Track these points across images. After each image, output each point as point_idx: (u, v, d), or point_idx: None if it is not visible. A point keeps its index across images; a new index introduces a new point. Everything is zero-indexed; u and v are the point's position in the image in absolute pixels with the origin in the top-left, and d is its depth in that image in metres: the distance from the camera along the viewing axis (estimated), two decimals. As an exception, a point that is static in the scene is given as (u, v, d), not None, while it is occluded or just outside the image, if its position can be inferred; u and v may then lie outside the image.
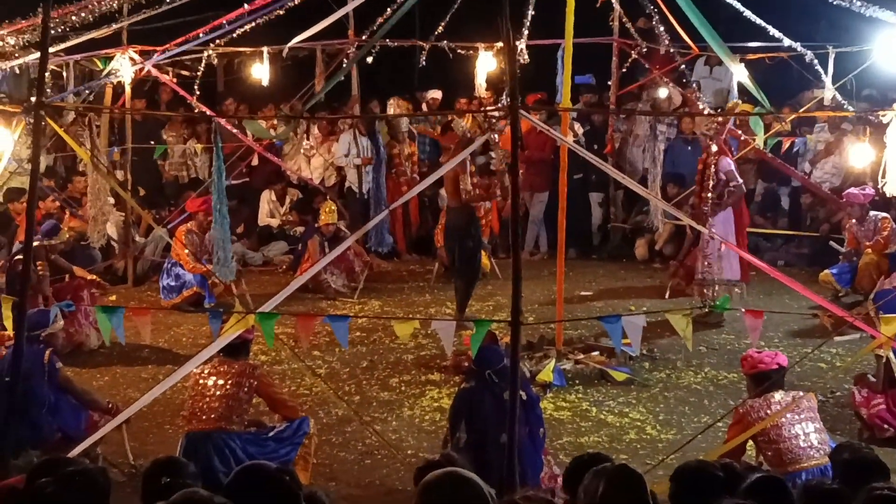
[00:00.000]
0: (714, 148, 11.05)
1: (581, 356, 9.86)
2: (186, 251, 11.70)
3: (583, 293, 12.71)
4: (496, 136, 11.02)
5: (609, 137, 14.63)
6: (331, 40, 14.23)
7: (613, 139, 14.63)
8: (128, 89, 12.75)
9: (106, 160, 12.90)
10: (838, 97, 11.82)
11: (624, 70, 14.30)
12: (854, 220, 11.91)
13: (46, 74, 6.80)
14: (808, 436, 6.60)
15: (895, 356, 7.38)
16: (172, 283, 12.03)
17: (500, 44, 12.73)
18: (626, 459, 7.08)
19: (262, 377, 7.39)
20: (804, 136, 14.38)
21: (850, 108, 11.71)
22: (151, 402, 7.74)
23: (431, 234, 14.13)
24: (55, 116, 7.70)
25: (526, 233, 14.51)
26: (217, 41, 12.14)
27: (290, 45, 13.26)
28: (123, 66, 11.99)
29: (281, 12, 11.47)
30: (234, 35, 11.91)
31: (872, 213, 11.81)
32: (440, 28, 13.10)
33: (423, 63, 13.74)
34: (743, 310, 6.91)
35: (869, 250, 11.61)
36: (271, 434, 7.32)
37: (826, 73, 12.01)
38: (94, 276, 11.57)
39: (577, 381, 9.44)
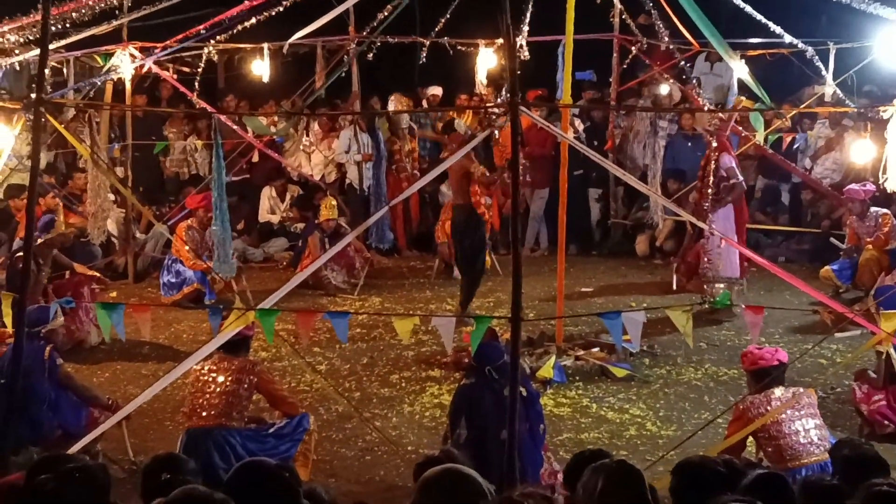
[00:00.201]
0: (714, 144, 11.05)
1: (581, 352, 9.86)
2: (187, 248, 11.70)
3: (583, 289, 12.70)
4: (496, 132, 11.01)
5: (609, 134, 14.62)
6: (331, 37, 14.22)
7: (614, 135, 14.63)
8: (128, 86, 12.75)
9: (106, 157, 12.89)
10: (839, 93, 11.82)
11: (624, 66, 14.29)
12: (855, 217, 11.91)
13: (46, 71, 6.79)
14: (809, 432, 6.60)
15: (896, 352, 7.38)
16: (173, 280, 12.03)
17: (500, 40, 12.72)
18: (627, 456, 7.08)
19: (262, 373, 7.40)
20: (805, 133, 14.37)
21: (851, 105, 11.70)
22: (152, 399, 7.74)
23: (432, 230, 14.13)
24: (55, 113, 7.69)
25: (526, 229, 14.51)
26: (217, 37, 12.13)
27: (290, 41, 13.25)
28: (124, 63, 11.98)
29: (281, 8, 11.46)
30: (235, 31, 11.90)
31: (873, 209, 11.81)
32: (440, 24, 13.08)
33: (424, 59, 13.72)
34: (743, 306, 6.91)
35: (869, 246, 11.61)
36: (271, 430, 7.33)
37: (827, 69, 12.00)
38: (95, 273, 11.57)
39: (578, 378, 9.44)
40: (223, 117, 12.02)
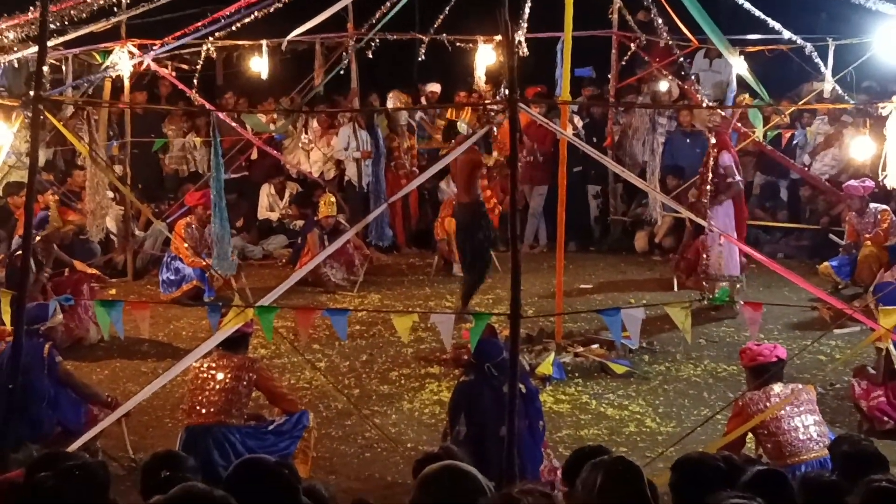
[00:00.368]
0: (713, 140, 11.05)
1: (580, 349, 9.86)
2: (186, 245, 11.70)
3: (582, 286, 12.71)
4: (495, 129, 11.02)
5: (609, 130, 14.62)
6: (330, 33, 14.21)
7: (613, 132, 14.62)
8: (127, 83, 12.74)
9: (105, 154, 12.88)
10: (838, 89, 11.82)
11: (623, 63, 14.28)
12: (854, 213, 11.91)
13: (45, 68, 6.79)
14: (808, 428, 6.61)
15: (895, 348, 7.37)
16: (172, 277, 12.03)
17: (499, 37, 12.71)
18: (626, 452, 7.08)
19: (261, 371, 7.40)
20: (804, 129, 14.37)
21: (850, 101, 11.70)
22: (151, 396, 7.74)
23: (431, 227, 14.13)
24: (54, 110, 7.69)
25: (525, 226, 14.51)
26: (216, 34, 12.12)
27: (289, 38, 13.24)
28: (122, 60, 11.97)
29: (280, 5, 11.43)
30: (233, 28, 11.88)
31: (872, 205, 11.82)
32: (439, 21, 13.07)
33: (423, 56, 13.71)
34: (742, 302, 6.91)
35: (868, 243, 11.61)
36: (271, 428, 7.33)
37: (826, 65, 11.99)
38: (94, 270, 11.57)
39: (577, 374, 9.44)
40: (222, 114, 12.02)
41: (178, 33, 11.95)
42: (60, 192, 12.75)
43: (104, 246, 12.98)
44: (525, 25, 11.33)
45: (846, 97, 11.67)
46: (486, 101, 13.46)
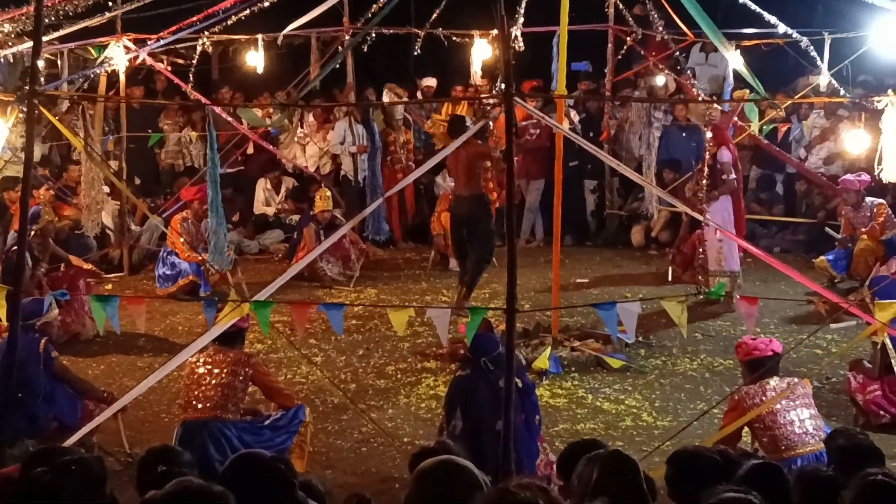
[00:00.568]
0: (709, 135, 11.06)
1: (577, 343, 9.87)
2: (182, 240, 11.69)
3: (579, 280, 12.71)
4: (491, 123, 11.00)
5: (605, 125, 14.61)
6: (326, 28, 14.19)
7: (609, 126, 14.62)
8: (122, 78, 12.73)
9: (100, 149, 12.86)
10: (834, 83, 11.82)
11: (619, 57, 14.27)
12: (850, 207, 11.91)
13: (40, 63, 6.77)
14: (804, 422, 6.62)
15: (891, 342, 7.38)
16: (168, 272, 12.02)
17: (495, 31, 12.69)
18: (622, 446, 7.08)
19: (257, 365, 7.40)
20: (800, 122, 14.37)
21: (846, 95, 11.70)
22: (147, 391, 7.74)
23: (427, 221, 14.12)
24: (49, 105, 7.68)
25: (522, 221, 14.51)
26: (212, 29, 12.10)
27: (284, 32, 13.22)
28: (118, 55, 11.95)
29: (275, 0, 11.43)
30: (229, 23, 11.87)
31: (868, 199, 11.82)
32: (435, 15, 13.06)
33: (419, 51, 13.70)
34: (738, 296, 6.92)
35: (864, 236, 11.61)
36: (267, 422, 7.33)
37: (822, 59, 11.99)
38: (90, 265, 11.56)
39: (573, 369, 9.44)
40: (218, 109, 11.99)
41: (173, 28, 11.94)
42: (56, 187, 12.74)
43: (100, 241, 12.97)
44: (521, 19, 11.31)
45: (842, 91, 11.67)
46: (483, 96, 13.44)
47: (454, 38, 13.89)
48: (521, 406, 6.56)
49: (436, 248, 13.41)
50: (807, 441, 6.55)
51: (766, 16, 11.27)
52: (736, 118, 12.20)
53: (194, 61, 12.84)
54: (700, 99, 12.16)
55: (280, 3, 11.46)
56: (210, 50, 13.38)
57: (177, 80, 12.88)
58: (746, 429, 6.84)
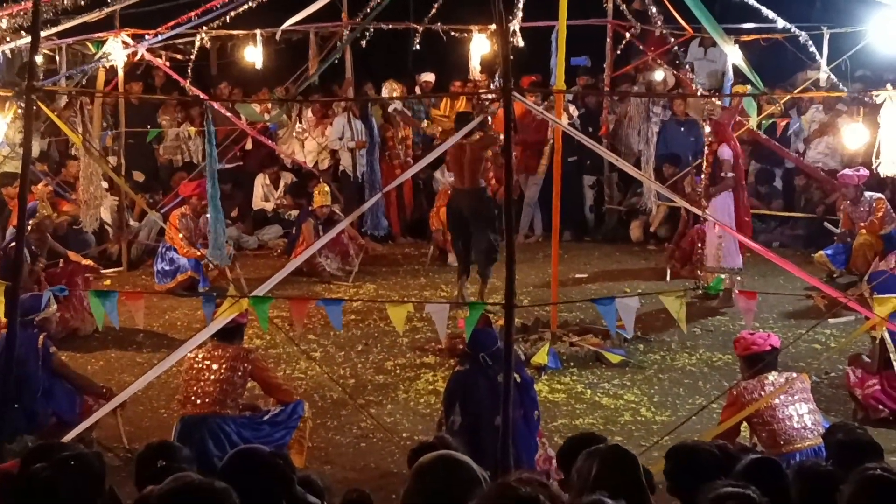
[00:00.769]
0: (707, 129, 11.05)
1: (576, 338, 9.87)
2: (180, 235, 11.68)
3: (577, 276, 12.71)
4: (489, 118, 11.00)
5: (603, 120, 14.61)
6: (324, 23, 14.18)
7: (608, 121, 14.61)
8: (121, 73, 12.71)
9: (98, 144, 12.85)
10: (833, 78, 11.81)
11: (618, 52, 14.26)
12: (848, 201, 11.91)
13: (38, 58, 6.77)
14: (802, 417, 6.62)
15: (890, 337, 7.38)
16: (167, 268, 12.02)
17: (494, 26, 12.67)
18: (621, 441, 7.09)
19: (256, 361, 7.41)
20: (798, 117, 14.37)
21: (844, 89, 11.69)
22: (146, 387, 7.75)
23: (426, 217, 14.12)
24: (47, 101, 7.67)
25: (520, 216, 14.51)
26: (210, 24, 12.09)
27: (283, 27, 13.21)
28: (116, 50, 11.94)
29: (274, -5, 11.42)
30: (227, 18, 11.85)
31: (867, 193, 11.83)
32: (434, 10, 13.04)
33: (418, 46, 13.69)
34: (737, 291, 6.92)
35: (863, 231, 11.62)
36: (266, 418, 7.33)
37: (820, 54, 11.98)
38: (89, 261, 11.55)
39: (572, 364, 9.44)
40: (216, 104, 11.99)
41: (171, 23, 11.92)
42: (55, 183, 12.74)
43: (99, 236, 12.97)
44: (520, 14, 11.29)
45: (841, 86, 11.65)
46: (481, 91, 13.43)
47: (453, 34, 13.87)
48: (520, 401, 6.57)
49: (434, 244, 13.41)
50: (805, 436, 6.55)
51: (765, 10, 11.25)
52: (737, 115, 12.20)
53: (193, 57, 12.82)
54: (699, 94, 12.14)
55: (279, -2, 11.46)
56: (208, 45, 13.37)
57: (175, 76, 12.87)
58: (745, 424, 6.85)
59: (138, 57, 12.50)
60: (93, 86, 12.69)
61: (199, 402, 7.15)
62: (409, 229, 15.04)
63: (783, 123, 13.83)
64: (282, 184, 15.24)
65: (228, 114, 12.63)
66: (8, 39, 10.95)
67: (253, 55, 13.66)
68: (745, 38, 12.78)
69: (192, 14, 11.84)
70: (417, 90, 15.30)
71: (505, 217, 6.09)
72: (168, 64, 13.39)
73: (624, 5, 13.51)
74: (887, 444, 6.30)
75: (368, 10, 12.15)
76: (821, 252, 11.95)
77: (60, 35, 11.81)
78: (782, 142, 13.75)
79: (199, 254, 11.58)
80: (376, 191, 13.56)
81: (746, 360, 6.92)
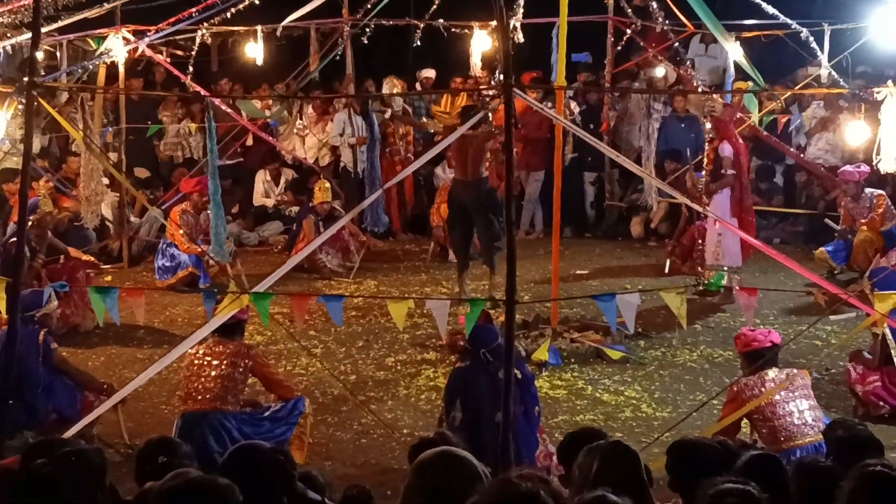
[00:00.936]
0: (708, 126, 11.04)
1: (576, 335, 9.87)
2: (181, 231, 11.68)
3: (578, 272, 12.71)
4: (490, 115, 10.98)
5: (604, 116, 14.60)
6: (325, 19, 14.16)
7: (609, 118, 14.60)
8: (121, 69, 12.71)
9: (99, 140, 12.85)
10: (834, 75, 11.80)
11: (619, 48, 14.25)
12: (849, 198, 11.91)
13: (39, 54, 6.76)
14: (803, 413, 6.62)
15: (891, 333, 7.38)
16: (167, 264, 12.02)
17: (494, 22, 12.65)
18: (622, 437, 7.06)
19: (257, 357, 7.41)
20: (800, 113, 14.35)
21: (846, 86, 11.68)
22: (147, 383, 7.76)
23: (427, 213, 14.12)
24: (48, 97, 7.67)
25: (521, 212, 14.51)
26: (211, 20, 12.08)
27: (284, 24, 13.19)
28: (117, 46, 11.93)
29: (275, -10, 11.41)
30: (228, 14, 11.84)
31: (867, 190, 11.82)
32: (435, 7, 13.03)
33: (418, 42, 13.67)
34: (737, 287, 6.92)
35: (864, 227, 11.61)
36: (267, 414, 7.34)
37: (822, 50, 11.97)
38: (89, 257, 11.56)
39: (573, 360, 9.44)
40: (217, 101, 11.98)
41: (172, 19, 11.90)
42: (55, 179, 12.73)
43: (99, 233, 12.97)
44: (520, 11, 11.28)
45: (841, 82, 11.64)
46: (482, 87, 13.42)
47: (454, 30, 13.84)
48: (521, 397, 6.58)
49: (435, 240, 13.40)
50: (806, 432, 6.55)
51: (766, 7, 11.24)
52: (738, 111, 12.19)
53: (193, 53, 12.81)
54: (700, 90, 12.14)
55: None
56: (209, 41, 13.33)
57: (176, 72, 12.86)
58: (746, 420, 6.85)
59: (139, 53, 12.48)
60: (94, 82, 12.68)
61: (199, 398, 7.15)
62: (409, 226, 15.04)
63: (784, 120, 13.81)
64: (282, 180, 15.24)
65: (229, 110, 12.61)
66: (9, 35, 10.94)
67: (254, 51, 13.64)
68: (746, 34, 12.76)
69: (193, 10, 11.83)
70: (418, 86, 15.30)
71: (505, 213, 6.09)
72: (169, 60, 13.38)
73: (625, 1, 13.50)
74: (888, 440, 6.30)
75: (369, 6, 12.17)
76: (821, 248, 11.95)
77: (61, 31, 11.78)
78: (783, 138, 13.74)
79: (199, 250, 11.59)
80: (376, 187, 13.56)
81: (747, 356, 6.92)
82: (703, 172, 11.05)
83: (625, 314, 6.37)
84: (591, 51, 15.05)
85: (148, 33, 12.08)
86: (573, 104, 14.44)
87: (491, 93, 12.04)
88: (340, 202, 13.43)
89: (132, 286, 11.03)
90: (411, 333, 10.23)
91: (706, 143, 11.09)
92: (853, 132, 11.84)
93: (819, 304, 10.12)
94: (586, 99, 14.94)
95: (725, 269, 11.04)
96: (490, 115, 10.96)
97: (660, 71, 14.57)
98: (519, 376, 6.46)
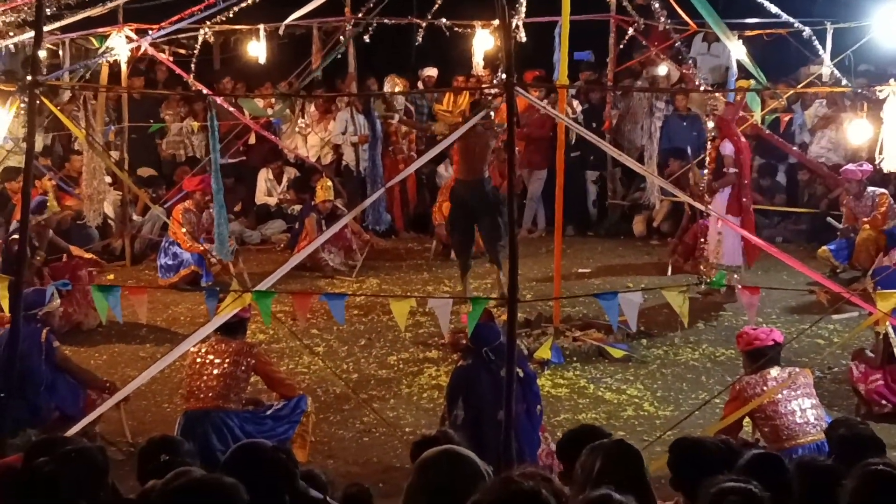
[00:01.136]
0: (710, 124, 11.04)
1: (579, 333, 9.87)
2: (183, 230, 11.69)
3: (581, 270, 12.71)
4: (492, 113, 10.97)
5: (607, 115, 14.60)
6: (327, 18, 14.17)
7: (611, 116, 14.60)
8: (124, 68, 12.71)
9: (102, 139, 12.86)
10: (836, 73, 11.80)
11: (621, 47, 14.25)
12: (851, 197, 11.90)
13: (42, 53, 6.77)
14: (805, 412, 6.62)
15: (893, 332, 7.38)
16: (170, 262, 12.03)
17: (497, 21, 12.65)
18: (624, 436, 7.07)
19: (259, 355, 7.41)
20: (802, 111, 14.34)
21: (848, 84, 11.68)
22: (149, 381, 7.75)
23: (429, 212, 14.12)
24: (50, 95, 7.67)
25: (524, 210, 14.51)
26: (213, 19, 12.08)
27: (286, 22, 13.20)
28: (119, 45, 11.93)
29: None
30: (231, 13, 11.85)
31: (870, 188, 11.81)
32: (437, 5, 13.03)
33: (420, 41, 13.68)
34: (739, 286, 6.91)
35: (866, 226, 11.60)
36: (269, 412, 7.34)
37: (824, 48, 11.97)
38: (92, 255, 11.57)
39: (575, 359, 9.45)
40: (219, 99, 11.98)
41: (175, 18, 11.91)
42: (58, 178, 12.74)
43: (102, 231, 12.98)
44: (523, 10, 11.28)
45: (844, 81, 11.64)
46: (484, 86, 13.41)
47: (456, 29, 13.85)
48: (523, 396, 6.57)
49: (438, 239, 13.40)
50: (808, 431, 6.55)
51: (769, 5, 11.25)
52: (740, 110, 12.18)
53: (196, 51, 12.82)
54: (702, 89, 12.13)
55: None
56: (212, 40, 13.36)
57: (178, 71, 12.87)
58: (748, 419, 6.84)
59: (141, 52, 12.49)
60: (96, 81, 12.69)
61: (202, 396, 7.16)
62: (412, 224, 15.04)
63: (786, 119, 13.81)
64: (285, 178, 15.25)
65: (231, 109, 12.62)
66: (11, 34, 10.95)
67: (256, 50, 13.65)
68: (749, 33, 12.76)
69: (196, 9, 11.84)
70: (420, 85, 15.30)
71: (508, 212, 6.08)
72: (171, 59, 13.39)
73: (627, 0, 13.50)
74: (890, 439, 6.29)
75: (371, 5, 12.17)
76: (824, 247, 11.94)
77: (64, 30, 11.80)
78: (786, 137, 13.73)
79: (202, 248, 11.59)
80: (378, 186, 13.56)
81: (749, 355, 6.91)
82: (706, 171, 11.04)
83: (627, 313, 6.37)
84: (593, 49, 15.04)
85: (150, 32, 12.09)
86: (575, 103, 14.43)
87: (493, 92, 12.05)
88: (343, 200, 13.44)
89: (135, 284, 11.03)
90: (413, 332, 10.23)
91: (708, 142, 11.07)
92: (855, 131, 11.83)
93: (821, 303, 10.13)
94: (588, 98, 14.93)
95: (724, 268, 11.02)
96: (493, 114, 10.97)
97: (662, 69, 14.56)
98: (521, 375, 6.46)
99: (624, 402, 8.50)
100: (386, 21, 13.56)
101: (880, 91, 8.46)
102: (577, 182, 14.26)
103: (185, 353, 7.13)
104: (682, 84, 14.30)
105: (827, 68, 11.93)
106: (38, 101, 6.63)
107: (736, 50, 10.46)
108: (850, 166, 11.92)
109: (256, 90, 15.01)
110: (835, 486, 4.18)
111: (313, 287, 11.79)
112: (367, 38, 13.32)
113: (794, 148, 13.91)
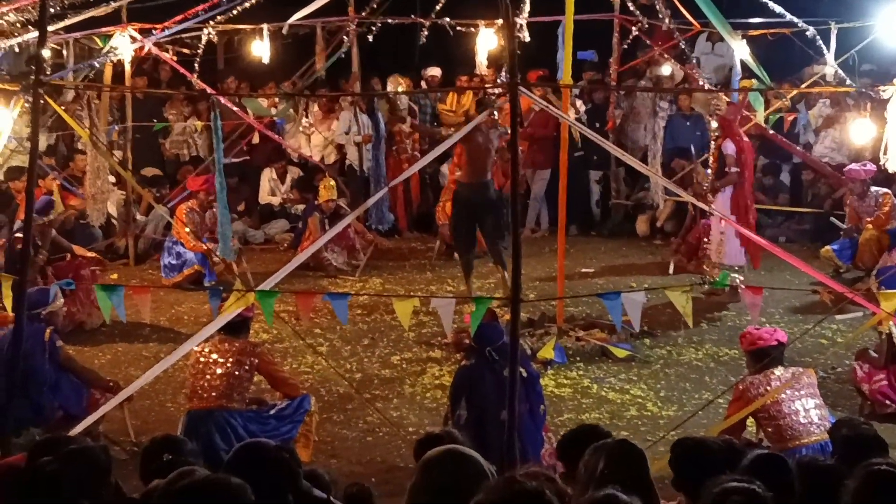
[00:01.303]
0: (714, 124, 11.03)
1: (582, 333, 9.86)
2: (187, 230, 11.70)
3: (584, 270, 12.70)
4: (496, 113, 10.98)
5: (610, 114, 14.59)
6: (331, 17, 14.17)
7: (615, 116, 14.60)
8: (127, 67, 12.72)
9: (105, 139, 12.86)
10: (840, 73, 11.79)
11: (625, 47, 14.24)
12: (855, 196, 11.90)
13: (45, 53, 6.78)
14: (808, 412, 6.61)
15: (898, 332, 7.37)
16: (173, 262, 12.04)
17: (500, 21, 12.66)
18: (628, 436, 7.08)
19: (262, 355, 7.41)
20: (806, 111, 14.34)
21: (852, 84, 11.67)
22: (153, 380, 7.75)
23: (432, 211, 14.12)
24: (54, 95, 7.68)
25: (527, 210, 14.50)
26: (217, 18, 12.09)
27: (289, 22, 13.20)
28: (123, 45, 11.93)
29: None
30: (234, 12, 11.86)
31: (873, 188, 11.81)
32: (440, 5, 13.03)
33: (424, 40, 13.67)
34: (742, 286, 6.91)
35: (870, 226, 11.60)
36: (272, 412, 7.34)
37: (828, 48, 11.96)
38: (95, 255, 11.57)
39: (578, 358, 9.44)
40: (223, 99, 11.99)
41: (178, 17, 11.92)
42: (62, 177, 12.75)
43: (105, 230, 12.98)
44: (527, 9, 11.28)
45: (848, 80, 11.64)
46: (488, 86, 13.42)
47: (459, 28, 13.85)
48: (526, 395, 6.57)
49: (441, 238, 13.39)
50: (811, 431, 6.54)
51: (773, 5, 11.24)
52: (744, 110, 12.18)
53: (200, 51, 12.82)
54: (705, 88, 12.13)
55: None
56: (215, 40, 13.34)
57: (182, 70, 12.87)
58: (751, 419, 6.84)
59: (145, 51, 12.49)
60: (100, 80, 12.70)
61: (205, 395, 7.16)
62: (415, 224, 15.04)
63: (790, 118, 13.80)
64: (288, 178, 15.24)
65: (235, 108, 12.63)
66: (16, 34, 10.95)
67: (260, 50, 13.65)
68: (753, 32, 12.75)
69: (200, 8, 11.84)
70: (423, 85, 15.29)
71: (511, 212, 6.09)
72: (175, 58, 13.38)
73: (630, 0, 13.50)
74: (893, 439, 6.30)
75: (375, 4, 12.18)
76: (827, 247, 11.93)
77: (67, 30, 11.80)
78: (790, 137, 13.72)
79: (205, 248, 11.60)
80: (381, 185, 13.56)
81: (753, 354, 6.91)
82: (710, 170, 11.04)
83: (630, 313, 6.37)
84: (597, 49, 15.04)
85: (154, 32, 12.09)
86: (579, 103, 14.43)
87: (497, 91, 12.06)
88: (346, 200, 13.44)
89: (138, 284, 11.03)
90: (417, 332, 10.23)
91: (711, 142, 11.07)
92: (859, 130, 11.83)
93: (825, 303, 10.13)
94: (592, 97, 14.93)
95: (726, 268, 11.02)
96: (496, 113, 10.98)
97: (666, 69, 14.56)
98: (524, 374, 6.46)
99: (627, 402, 8.50)
100: (389, 20, 13.57)
101: (884, 91, 8.46)
102: (580, 182, 14.24)
103: (188, 353, 7.13)
104: (686, 84, 14.29)
105: (831, 68, 11.94)
106: (41, 101, 6.64)
107: (740, 50, 10.46)
108: (854, 166, 11.91)
109: (260, 90, 15.01)
110: (836, 487, 4.18)
111: (317, 287, 11.79)
112: (370, 38, 13.34)
113: (798, 148, 13.90)
